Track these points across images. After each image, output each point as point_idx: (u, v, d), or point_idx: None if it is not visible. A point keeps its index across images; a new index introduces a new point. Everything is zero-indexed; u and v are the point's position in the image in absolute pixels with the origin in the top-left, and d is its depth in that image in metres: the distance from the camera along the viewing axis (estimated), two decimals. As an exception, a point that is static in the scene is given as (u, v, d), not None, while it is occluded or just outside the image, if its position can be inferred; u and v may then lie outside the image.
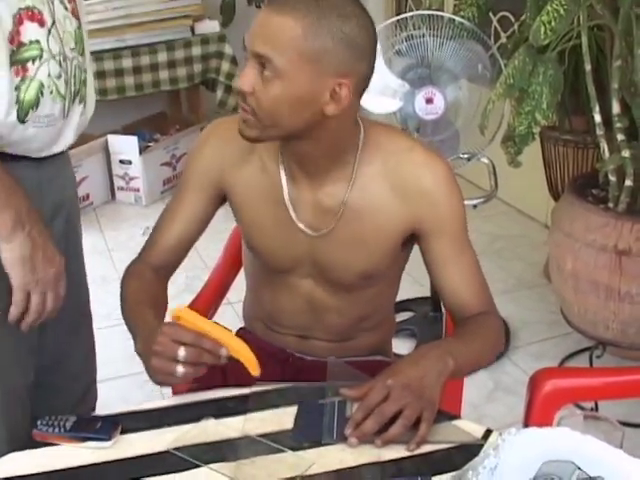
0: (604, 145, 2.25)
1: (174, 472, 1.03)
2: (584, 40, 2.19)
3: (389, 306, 1.48)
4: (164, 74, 3.77)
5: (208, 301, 1.59)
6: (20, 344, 1.33)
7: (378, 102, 2.19)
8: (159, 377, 1.08)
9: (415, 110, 2.24)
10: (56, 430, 1.09)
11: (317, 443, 1.08)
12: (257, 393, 1.19)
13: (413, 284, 2.53)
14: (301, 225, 1.27)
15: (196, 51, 3.83)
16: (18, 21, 1.20)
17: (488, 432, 1.10)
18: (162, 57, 3.74)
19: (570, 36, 2.29)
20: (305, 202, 1.27)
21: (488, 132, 2.25)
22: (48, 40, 1.25)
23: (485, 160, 2.46)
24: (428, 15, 2.25)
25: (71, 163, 1.49)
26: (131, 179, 3.83)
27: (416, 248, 1.33)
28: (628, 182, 2.18)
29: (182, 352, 1.04)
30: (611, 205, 2.24)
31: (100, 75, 3.56)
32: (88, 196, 3.77)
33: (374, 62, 1.17)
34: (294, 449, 1.06)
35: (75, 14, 1.34)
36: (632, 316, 2.18)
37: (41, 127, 1.27)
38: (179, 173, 3.92)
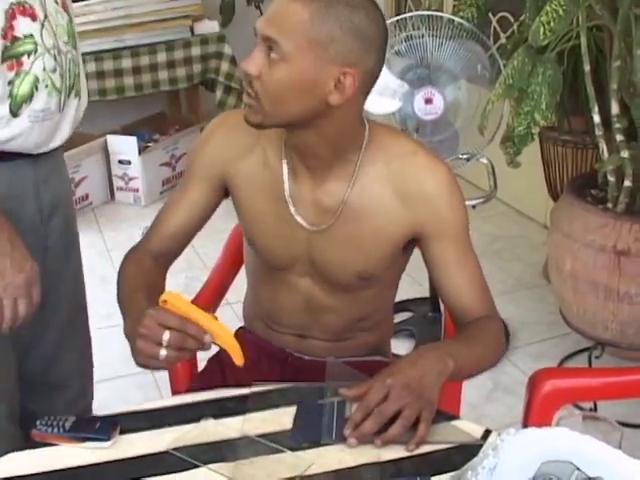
0: (603, 145, 2.25)
1: (173, 472, 1.03)
2: (583, 40, 2.19)
3: (388, 307, 1.48)
4: (163, 74, 3.76)
5: (207, 301, 1.58)
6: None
7: (377, 102, 2.19)
8: (142, 359, 1.08)
9: (414, 110, 2.24)
10: (55, 430, 1.09)
11: (316, 443, 1.08)
12: (256, 393, 1.19)
13: (412, 284, 2.53)
14: (299, 219, 1.27)
15: (195, 51, 3.82)
16: (11, 16, 1.20)
17: (487, 432, 1.10)
18: (161, 57, 3.73)
19: (569, 36, 2.28)
20: (305, 198, 1.27)
21: (487, 132, 2.25)
22: (42, 34, 1.25)
23: (484, 160, 2.46)
24: (427, 15, 2.25)
25: (65, 163, 1.49)
26: (130, 179, 3.82)
27: (416, 249, 1.33)
28: (627, 182, 2.18)
29: (166, 336, 1.04)
30: (610, 205, 2.24)
31: (99, 75, 3.55)
32: (87, 196, 3.76)
33: (383, 58, 1.17)
34: (293, 449, 1.06)
35: (65, 8, 1.34)
36: (631, 316, 2.18)
37: (37, 121, 1.27)
38: (178, 173, 3.92)
